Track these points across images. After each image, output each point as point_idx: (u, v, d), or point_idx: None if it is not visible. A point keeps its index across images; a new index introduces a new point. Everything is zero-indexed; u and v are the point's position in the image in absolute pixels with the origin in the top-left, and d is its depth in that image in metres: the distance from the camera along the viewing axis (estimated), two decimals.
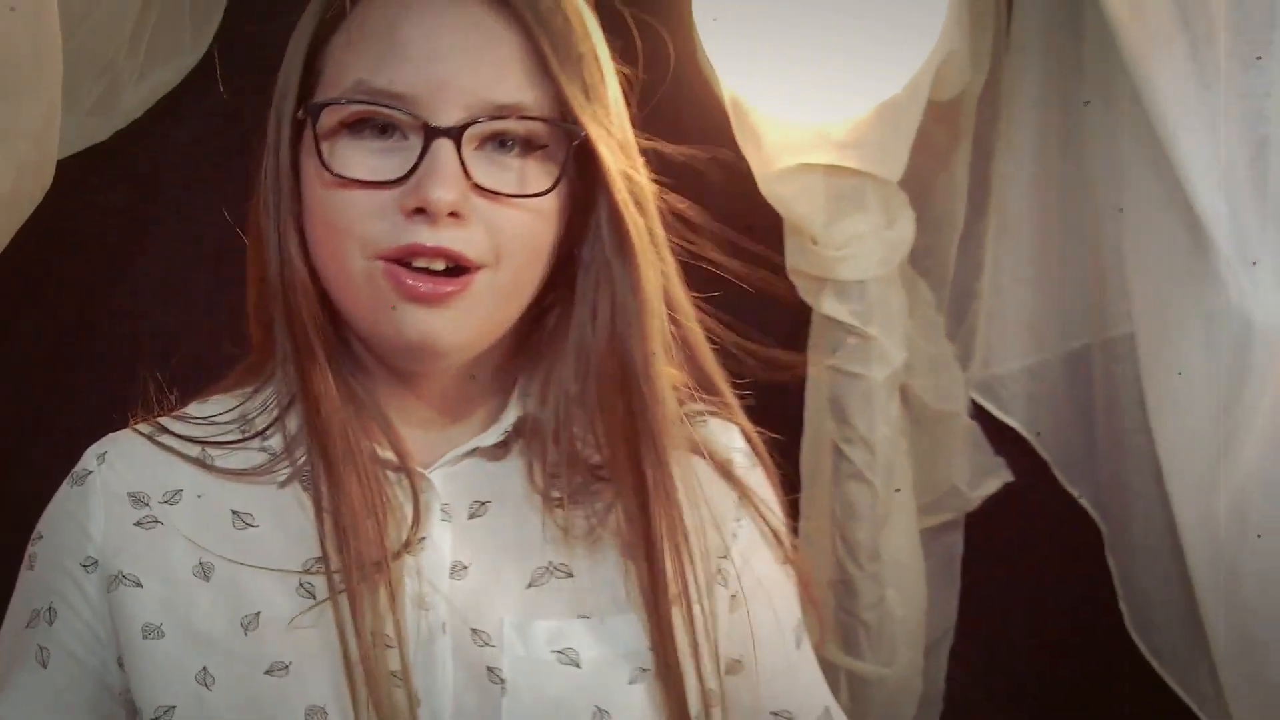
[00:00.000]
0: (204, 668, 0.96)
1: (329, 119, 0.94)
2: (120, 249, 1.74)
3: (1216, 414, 1.41)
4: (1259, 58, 1.41)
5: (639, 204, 1.01)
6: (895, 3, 1.52)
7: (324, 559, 0.96)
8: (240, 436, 1.04)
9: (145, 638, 0.98)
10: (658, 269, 1.01)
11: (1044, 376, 1.72)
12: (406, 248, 0.92)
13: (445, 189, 0.91)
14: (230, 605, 0.98)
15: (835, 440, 1.60)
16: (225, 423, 1.06)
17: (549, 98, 0.96)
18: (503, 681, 0.95)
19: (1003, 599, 1.76)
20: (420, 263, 0.92)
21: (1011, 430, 1.74)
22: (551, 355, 1.04)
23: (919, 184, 1.64)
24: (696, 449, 1.04)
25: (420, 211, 0.91)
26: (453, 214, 0.91)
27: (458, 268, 0.93)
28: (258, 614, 0.97)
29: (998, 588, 1.75)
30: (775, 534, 1.07)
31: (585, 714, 0.97)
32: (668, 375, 1.02)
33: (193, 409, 1.08)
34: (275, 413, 1.04)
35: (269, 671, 0.95)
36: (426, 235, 0.92)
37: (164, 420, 1.06)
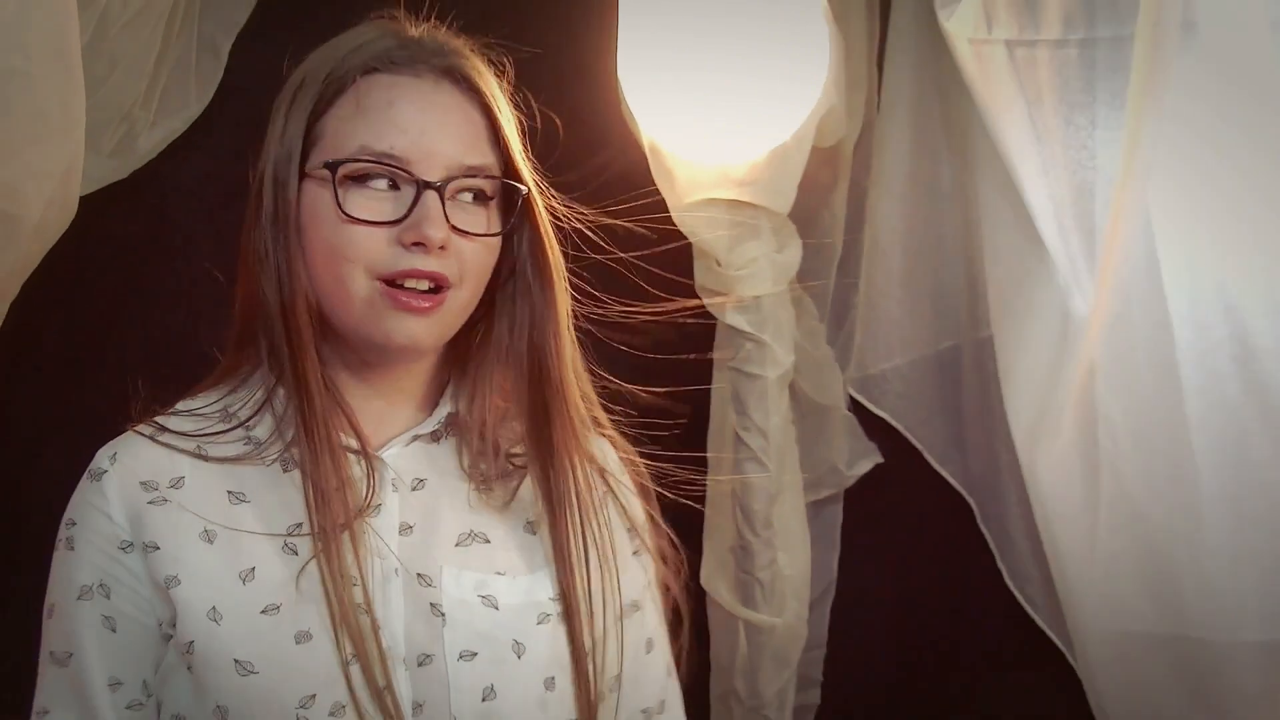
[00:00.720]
0: (213, 606, 1.07)
1: (340, 173, 1.08)
2: (135, 271, 1.80)
3: (1047, 394, 1.53)
4: (1078, 118, 1.54)
5: (554, 241, 1.16)
6: (785, 65, 1.61)
7: (309, 520, 1.08)
8: (226, 428, 1.14)
9: (169, 589, 1.08)
10: (568, 293, 1.16)
11: (913, 375, 1.81)
12: (405, 271, 1.07)
13: (438, 229, 1.07)
14: (230, 562, 1.09)
15: (736, 429, 1.69)
16: (211, 414, 1.15)
17: (499, 159, 1.12)
18: (443, 615, 1.09)
19: (875, 560, 1.87)
20: (410, 283, 1.07)
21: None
22: (478, 360, 1.17)
23: (805, 216, 1.73)
24: (589, 455, 1.17)
25: (418, 244, 1.07)
26: (441, 247, 1.07)
27: (437, 287, 1.08)
28: (253, 569, 1.08)
29: (871, 551, 1.87)
30: (634, 526, 1.20)
31: (506, 645, 1.10)
32: (576, 384, 1.16)
33: (181, 405, 1.17)
34: (257, 405, 1.14)
35: (264, 611, 1.07)
36: (420, 262, 1.07)
37: (161, 420, 1.15)
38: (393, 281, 1.08)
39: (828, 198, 1.78)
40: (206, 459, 1.12)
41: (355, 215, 1.07)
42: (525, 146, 1.17)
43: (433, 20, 1.17)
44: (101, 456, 1.14)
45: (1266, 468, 1.42)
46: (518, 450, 1.16)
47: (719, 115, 1.61)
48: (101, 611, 1.09)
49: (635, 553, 1.20)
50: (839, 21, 1.68)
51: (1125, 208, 1.39)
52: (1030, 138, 1.55)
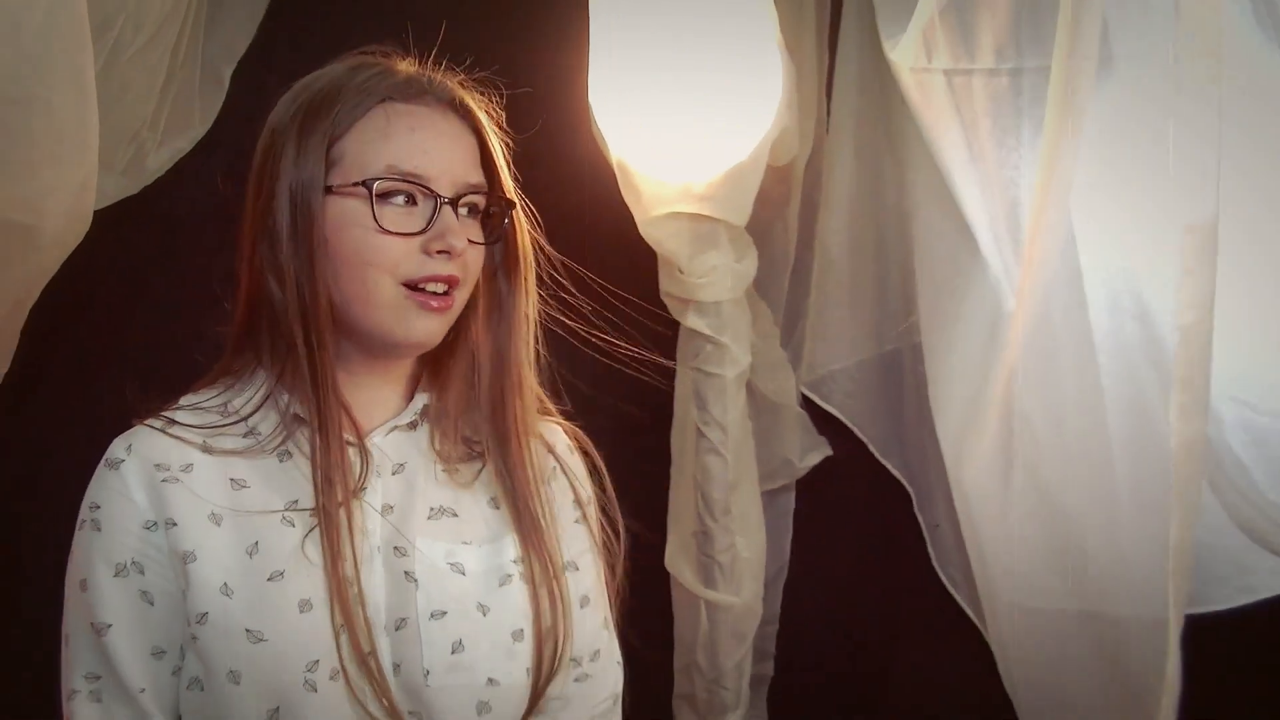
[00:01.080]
0: (224, 582, 1.14)
1: (363, 191, 1.17)
2: (144, 277, 1.84)
3: (975, 394, 1.60)
4: (1008, 140, 1.61)
5: (528, 259, 1.25)
6: (742, 91, 1.68)
7: (316, 502, 1.16)
8: (229, 422, 1.20)
9: (186, 564, 1.15)
10: (536, 300, 1.25)
11: (859, 375, 1.88)
12: (428, 276, 1.16)
13: (459, 239, 1.17)
14: (237, 539, 1.16)
15: (697, 424, 1.75)
16: (212, 408, 1.22)
17: (487, 178, 1.22)
18: (415, 580, 1.17)
19: (824, 544, 1.94)
20: (430, 287, 1.16)
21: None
22: (449, 358, 1.26)
23: (761, 229, 1.80)
24: (539, 436, 1.27)
25: (442, 252, 1.16)
26: (461, 254, 1.17)
27: (448, 290, 1.17)
28: (256, 542, 1.16)
29: (820, 536, 1.94)
30: (577, 498, 1.28)
31: (472, 604, 1.19)
32: (531, 379, 1.25)
33: (185, 400, 1.23)
34: (259, 402, 1.21)
35: (270, 579, 1.14)
36: (441, 267, 1.17)
37: (169, 414, 1.21)
38: (414, 285, 1.16)
39: (782, 212, 1.85)
40: (211, 452, 1.19)
41: (389, 227, 1.16)
42: (509, 164, 1.26)
43: (429, 59, 1.24)
44: (117, 446, 1.19)
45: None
46: (478, 436, 1.24)
47: (682, 136, 1.67)
48: (139, 587, 1.15)
49: (576, 521, 1.28)
50: (791, 51, 1.75)
51: (1043, 221, 1.47)
52: (966, 158, 1.63)
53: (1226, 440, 1.48)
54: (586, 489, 1.29)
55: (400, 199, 1.16)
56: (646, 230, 1.71)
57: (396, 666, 1.15)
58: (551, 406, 1.29)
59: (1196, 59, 1.34)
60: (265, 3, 1.78)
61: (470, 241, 1.18)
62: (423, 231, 1.15)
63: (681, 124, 1.66)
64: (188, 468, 1.18)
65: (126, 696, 1.15)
